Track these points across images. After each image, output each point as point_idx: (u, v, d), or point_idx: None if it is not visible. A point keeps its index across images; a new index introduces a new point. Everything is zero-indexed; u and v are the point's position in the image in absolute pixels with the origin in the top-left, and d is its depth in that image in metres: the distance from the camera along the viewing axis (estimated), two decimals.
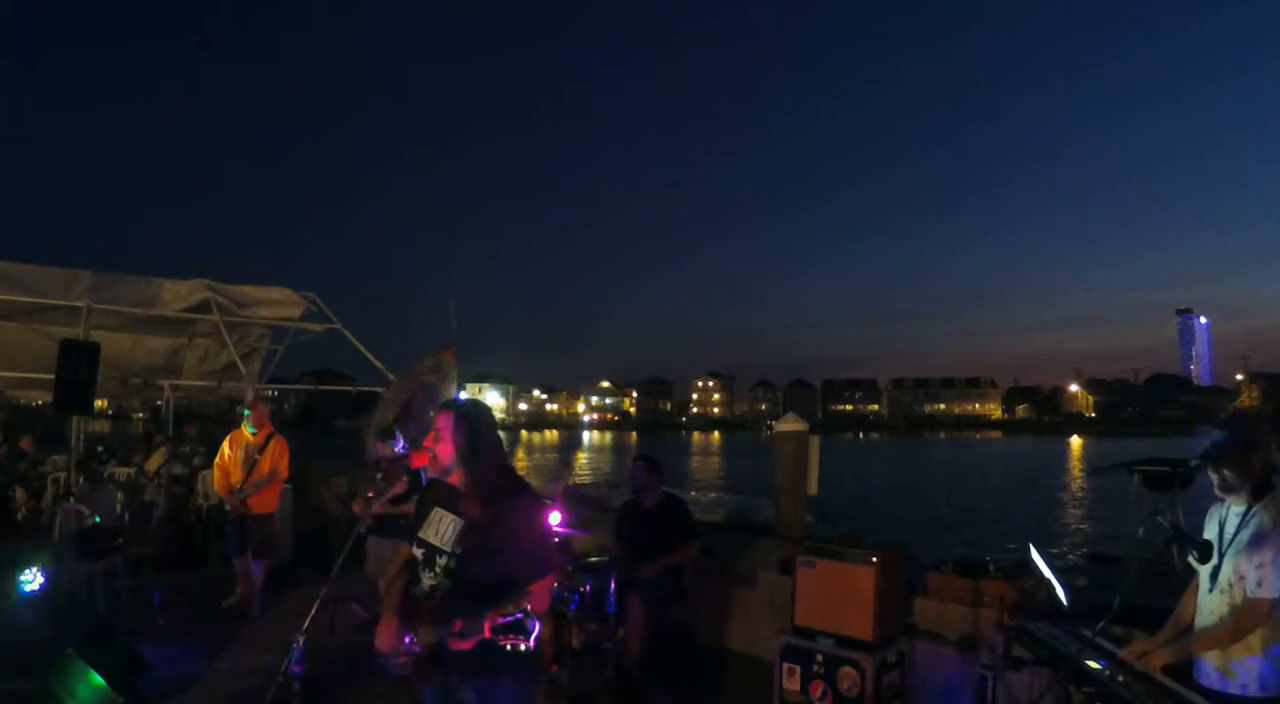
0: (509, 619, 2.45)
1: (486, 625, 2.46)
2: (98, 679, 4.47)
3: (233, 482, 7.09)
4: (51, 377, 7.98)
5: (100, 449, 13.80)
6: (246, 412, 7.29)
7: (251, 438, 7.21)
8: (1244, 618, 2.84)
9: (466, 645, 2.55)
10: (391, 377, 10.99)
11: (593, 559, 5.60)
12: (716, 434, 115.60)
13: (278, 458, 7.20)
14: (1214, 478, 3.04)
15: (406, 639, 2.68)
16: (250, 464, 7.09)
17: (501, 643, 2.47)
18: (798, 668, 4.73)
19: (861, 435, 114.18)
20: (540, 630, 2.58)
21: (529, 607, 2.52)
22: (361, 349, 11.39)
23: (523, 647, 2.48)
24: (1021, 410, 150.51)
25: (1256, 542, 2.86)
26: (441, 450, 2.79)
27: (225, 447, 7.26)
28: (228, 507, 7.13)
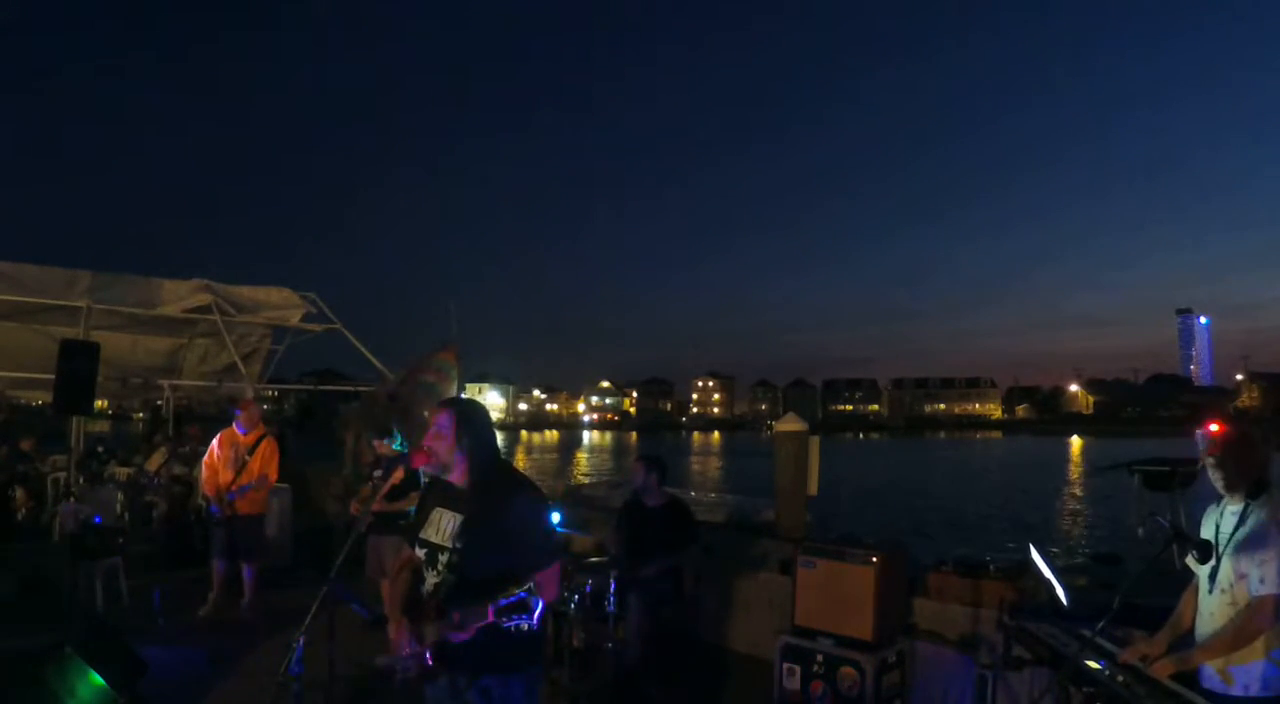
0: (512, 599, 2.46)
1: (490, 610, 2.47)
2: (98, 679, 4.47)
3: (221, 482, 6.93)
4: (51, 377, 7.99)
5: (100, 449, 13.83)
6: (238, 411, 7.17)
7: (243, 438, 7.06)
8: (1249, 618, 2.82)
9: (467, 636, 2.56)
10: (390, 377, 11.01)
11: (593, 559, 5.60)
12: (716, 434, 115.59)
13: (268, 460, 7.03)
14: (1218, 476, 3.01)
15: (414, 642, 2.69)
16: (240, 465, 6.94)
17: (505, 625, 2.47)
18: (798, 668, 4.73)
19: (861, 435, 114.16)
20: (543, 610, 2.58)
21: (532, 586, 2.52)
22: (361, 349, 11.42)
23: (526, 626, 2.49)
24: (1021, 410, 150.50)
25: (1255, 540, 2.85)
26: (440, 447, 2.82)
27: (215, 445, 7.11)
28: (214, 507, 6.98)
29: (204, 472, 7.15)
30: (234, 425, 7.16)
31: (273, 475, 7.13)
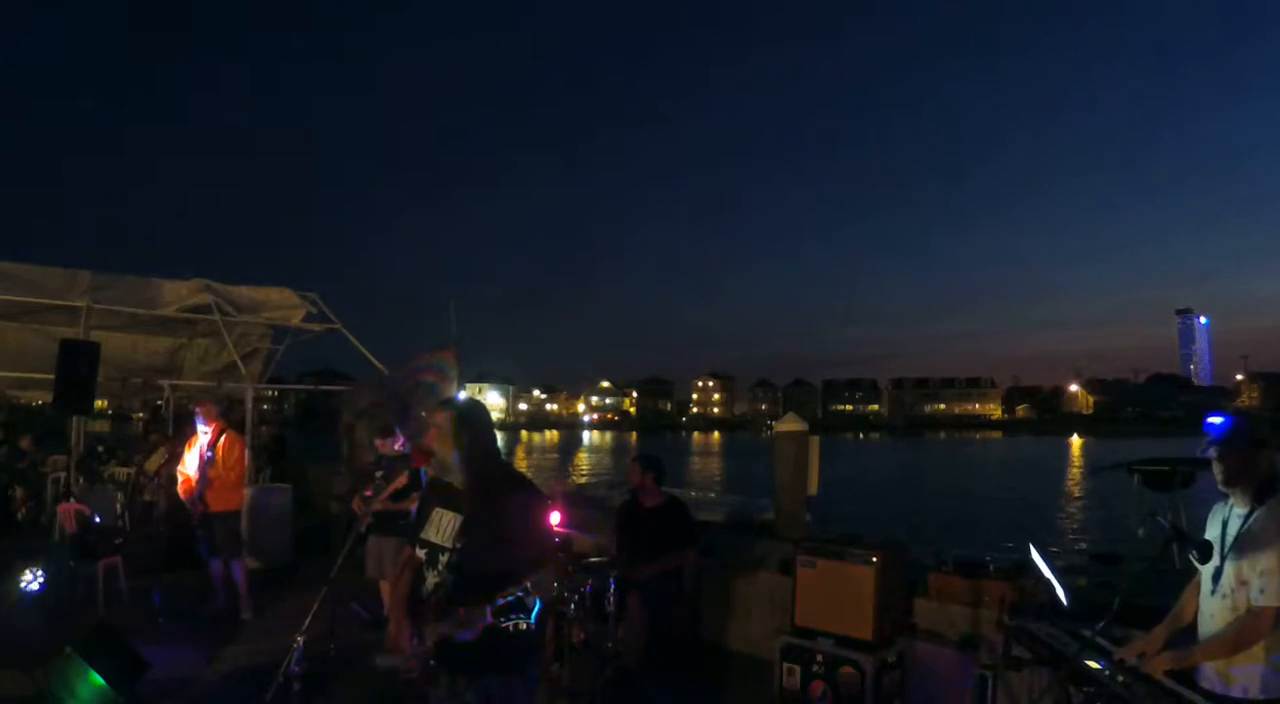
0: (510, 599, 2.47)
1: (489, 610, 2.48)
2: (98, 679, 4.47)
3: (192, 484, 6.95)
4: (51, 377, 7.98)
5: (100, 449, 13.83)
6: (197, 410, 7.16)
7: (205, 437, 7.05)
8: (1247, 627, 2.80)
9: (471, 636, 2.56)
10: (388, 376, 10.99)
11: (593, 559, 5.60)
12: (716, 434, 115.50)
13: (228, 451, 6.99)
14: (1218, 469, 2.98)
15: (415, 642, 2.70)
16: (206, 463, 6.95)
17: (504, 625, 2.48)
18: (798, 668, 4.73)
19: (861, 435, 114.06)
20: (541, 610, 2.60)
21: (529, 586, 2.54)
22: (361, 349, 11.38)
23: (525, 626, 2.49)
24: (1021, 410, 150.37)
25: (1259, 546, 2.82)
26: (441, 448, 2.83)
27: (185, 452, 7.15)
28: (190, 509, 6.99)
29: (179, 476, 7.14)
30: (197, 427, 7.13)
31: (231, 464, 7.01)
